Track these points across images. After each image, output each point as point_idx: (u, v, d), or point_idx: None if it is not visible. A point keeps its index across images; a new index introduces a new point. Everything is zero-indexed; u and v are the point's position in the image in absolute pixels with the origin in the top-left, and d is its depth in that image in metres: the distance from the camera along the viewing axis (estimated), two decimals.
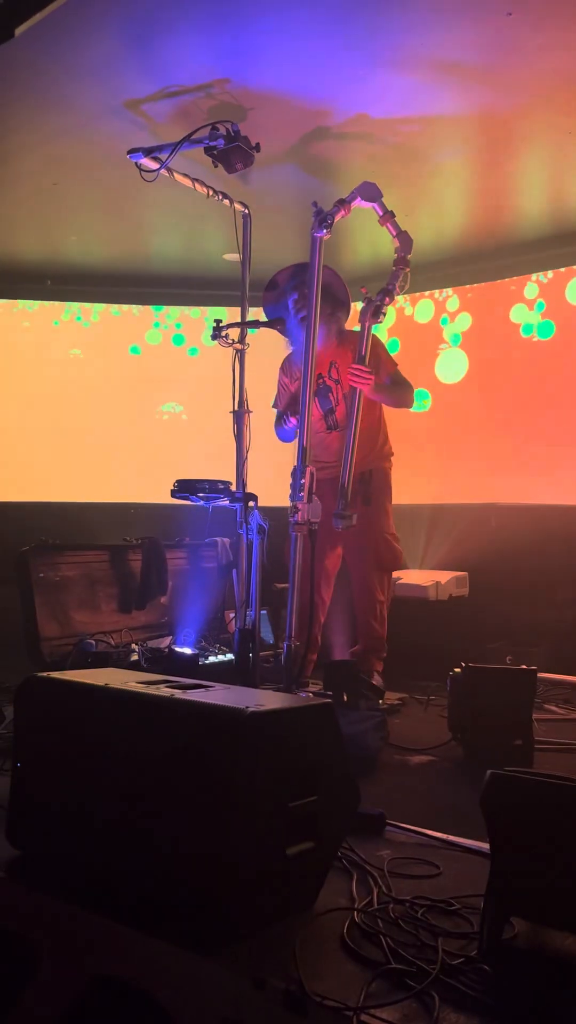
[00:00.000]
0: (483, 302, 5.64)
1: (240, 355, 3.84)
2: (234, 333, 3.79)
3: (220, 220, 4.17)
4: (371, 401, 3.80)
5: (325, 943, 1.59)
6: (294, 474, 3.38)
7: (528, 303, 5.41)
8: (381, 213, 3.54)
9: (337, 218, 3.42)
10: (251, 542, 3.52)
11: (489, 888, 1.54)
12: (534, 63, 3.41)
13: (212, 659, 4.06)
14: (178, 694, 1.82)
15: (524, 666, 3.06)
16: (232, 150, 3.43)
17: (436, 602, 4.79)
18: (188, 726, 1.72)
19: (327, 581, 3.94)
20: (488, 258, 5.57)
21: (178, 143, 3.48)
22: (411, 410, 4.35)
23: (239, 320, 3.89)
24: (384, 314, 3.59)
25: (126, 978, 1.60)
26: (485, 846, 1.67)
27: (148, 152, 3.53)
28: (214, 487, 3.62)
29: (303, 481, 3.33)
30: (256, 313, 3.99)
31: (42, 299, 6.36)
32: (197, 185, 3.78)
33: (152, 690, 1.87)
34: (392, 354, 4.11)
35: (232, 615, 4.52)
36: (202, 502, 3.70)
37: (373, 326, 3.60)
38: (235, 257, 4.08)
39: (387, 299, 3.55)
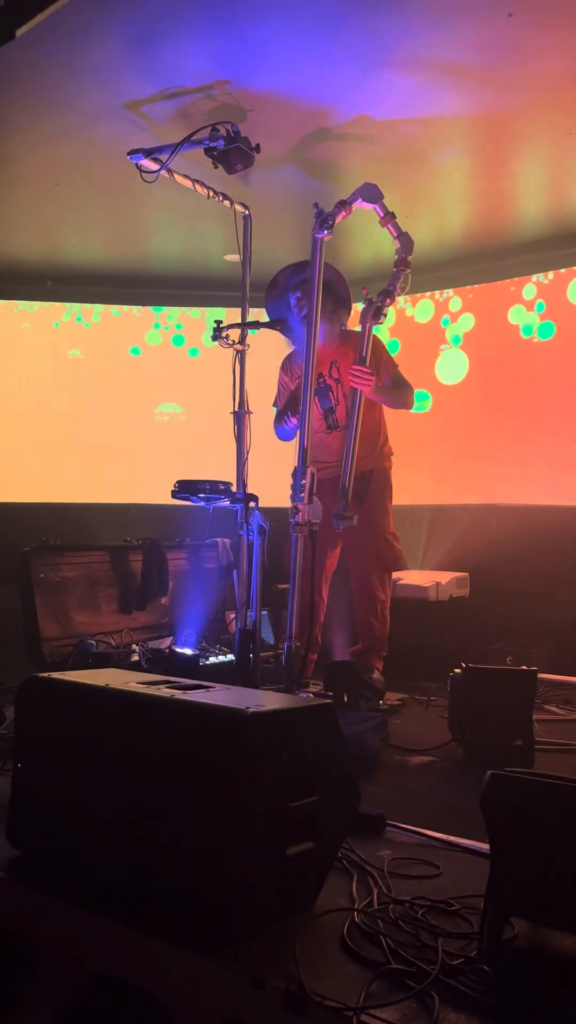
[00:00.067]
0: (484, 303, 5.64)
1: (240, 356, 3.84)
2: (234, 334, 3.79)
3: (220, 221, 4.18)
4: (371, 402, 3.80)
5: (325, 943, 1.59)
6: (295, 475, 3.38)
7: (528, 304, 5.41)
8: (382, 214, 3.54)
9: (338, 219, 3.43)
10: (252, 543, 3.53)
11: (489, 888, 1.54)
12: (534, 64, 3.41)
13: (213, 660, 4.07)
14: (179, 695, 1.82)
15: (524, 667, 3.05)
16: (232, 151, 3.44)
17: (436, 603, 4.79)
18: (189, 726, 1.72)
19: (326, 581, 3.95)
20: (489, 259, 5.57)
21: (178, 144, 3.48)
22: (411, 411, 4.35)
23: (239, 321, 3.89)
24: (385, 315, 3.59)
25: (126, 978, 1.61)
26: (485, 846, 1.67)
27: (148, 153, 3.53)
28: (215, 488, 3.62)
29: (304, 482, 3.33)
30: (256, 314, 4.00)
31: (42, 300, 6.36)
32: (197, 186, 3.79)
33: (153, 691, 1.87)
34: (392, 355, 4.11)
35: (233, 616, 4.52)
36: (203, 503, 3.70)
37: (374, 327, 3.60)
38: (235, 258, 4.08)
39: (388, 300, 3.56)
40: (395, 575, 4.32)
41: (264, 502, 3.60)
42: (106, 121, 3.94)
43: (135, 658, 3.95)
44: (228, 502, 3.65)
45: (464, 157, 4.33)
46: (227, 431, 3.86)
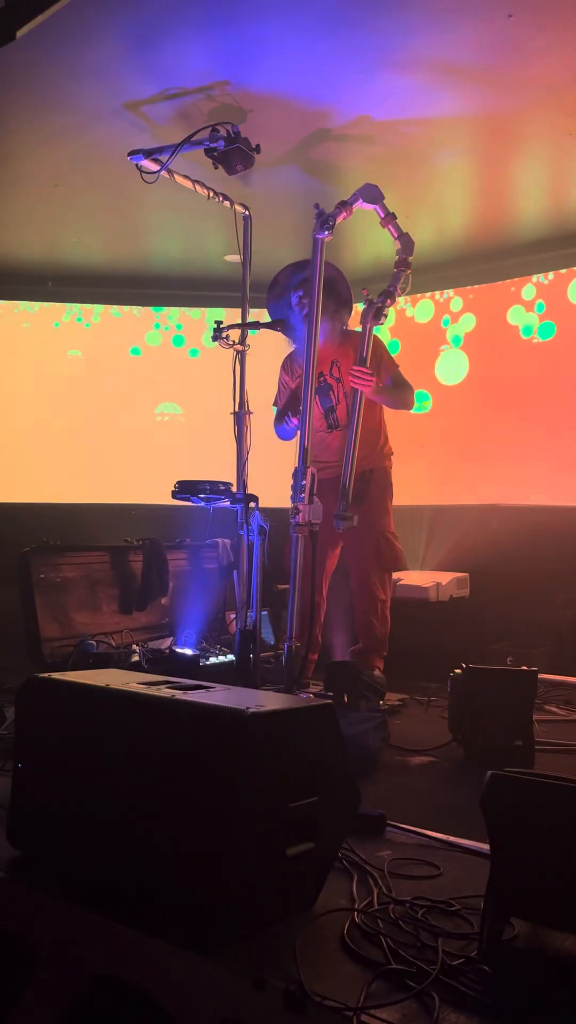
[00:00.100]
0: (484, 303, 5.65)
1: (241, 356, 3.84)
2: (235, 334, 3.79)
3: (221, 221, 4.17)
4: (372, 402, 3.80)
5: (325, 943, 1.59)
6: (295, 475, 3.38)
7: (527, 304, 5.41)
8: (383, 215, 3.54)
9: (339, 220, 3.43)
10: (252, 543, 3.53)
11: (489, 889, 1.54)
12: (534, 64, 3.42)
13: (213, 660, 4.07)
14: (179, 695, 1.82)
15: (524, 667, 3.06)
16: (232, 152, 3.44)
17: (437, 603, 4.79)
18: (189, 727, 1.72)
19: (326, 581, 3.95)
20: (489, 259, 5.57)
21: (178, 145, 3.48)
22: (412, 411, 4.35)
23: (239, 321, 3.89)
24: (385, 316, 3.59)
25: (126, 978, 1.61)
26: (485, 847, 1.67)
27: (149, 154, 3.54)
28: (215, 488, 3.62)
29: (304, 482, 3.33)
30: (256, 314, 4.00)
31: (43, 300, 6.36)
32: (198, 187, 3.79)
33: (153, 691, 1.87)
34: (393, 355, 4.11)
35: (233, 616, 4.53)
36: (203, 503, 3.70)
37: (374, 327, 3.60)
38: (236, 258, 4.08)
39: (388, 301, 3.56)
40: (395, 575, 4.32)
41: (264, 502, 3.60)
42: (106, 122, 3.94)
43: (135, 658, 3.95)
44: (228, 502, 3.65)
45: (464, 157, 4.34)
46: (227, 431, 3.86)
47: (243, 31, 3.26)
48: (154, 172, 3.57)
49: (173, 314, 6.44)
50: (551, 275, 5.33)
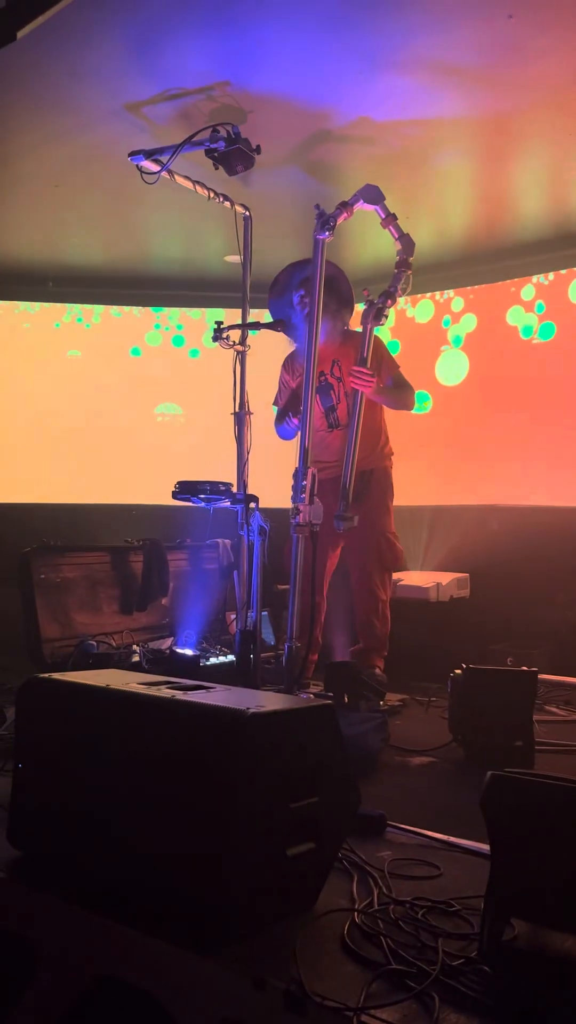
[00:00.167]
0: (484, 304, 5.65)
1: (241, 357, 3.84)
2: (235, 335, 3.79)
3: (221, 222, 4.18)
4: (372, 402, 3.80)
5: (325, 944, 1.59)
6: (295, 476, 3.38)
7: (527, 305, 5.41)
8: (383, 216, 3.54)
9: (340, 221, 3.43)
10: (252, 543, 3.53)
11: (489, 889, 1.54)
12: (535, 65, 3.42)
13: (213, 660, 4.07)
14: (179, 695, 1.82)
15: (525, 667, 3.06)
16: (233, 152, 3.44)
17: (437, 603, 4.79)
18: (189, 727, 1.72)
19: (327, 582, 3.95)
20: (489, 260, 5.57)
21: (179, 145, 3.48)
22: (412, 412, 4.35)
23: (239, 322, 3.90)
24: (386, 316, 3.59)
25: (126, 978, 1.61)
26: (485, 847, 1.67)
27: (149, 154, 3.54)
28: (215, 489, 3.62)
29: (304, 483, 3.33)
30: (257, 315, 4.00)
31: (43, 300, 6.36)
32: (198, 187, 3.79)
33: (153, 691, 1.88)
34: (393, 355, 4.11)
35: (233, 616, 4.53)
36: (203, 503, 3.71)
37: (375, 328, 3.60)
38: (236, 259, 4.08)
39: (389, 301, 3.56)
40: (396, 576, 4.32)
41: (264, 503, 3.60)
42: (107, 122, 3.94)
43: (136, 659, 3.95)
44: (228, 503, 3.65)
45: (465, 158, 4.34)
46: (227, 432, 3.86)
47: (243, 32, 3.26)
48: (154, 173, 3.57)
49: (173, 314, 6.44)
50: (551, 275, 5.33)
